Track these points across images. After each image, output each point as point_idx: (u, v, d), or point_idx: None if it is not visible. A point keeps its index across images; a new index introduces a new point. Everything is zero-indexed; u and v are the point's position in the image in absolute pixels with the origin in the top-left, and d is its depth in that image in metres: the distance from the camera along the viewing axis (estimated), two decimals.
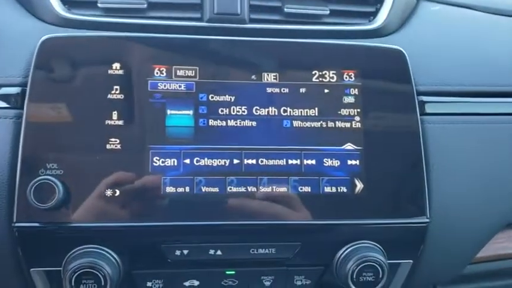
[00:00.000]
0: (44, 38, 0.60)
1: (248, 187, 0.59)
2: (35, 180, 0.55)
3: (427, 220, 0.62)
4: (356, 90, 0.63)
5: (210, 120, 0.61)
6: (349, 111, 0.62)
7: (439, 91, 0.68)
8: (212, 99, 0.61)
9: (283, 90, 0.62)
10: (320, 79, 0.63)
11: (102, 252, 0.56)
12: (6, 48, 0.62)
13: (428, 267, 0.65)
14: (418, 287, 0.69)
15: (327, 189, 0.60)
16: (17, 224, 0.56)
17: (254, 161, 0.60)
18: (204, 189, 0.59)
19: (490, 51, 0.73)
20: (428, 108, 0.66)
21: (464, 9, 0.79)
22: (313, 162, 0.61)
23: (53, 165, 0.57)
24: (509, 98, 0.70)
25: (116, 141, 0.58)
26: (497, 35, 0.77)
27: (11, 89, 0.60)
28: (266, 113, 0.62)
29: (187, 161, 0.59)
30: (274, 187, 0.59)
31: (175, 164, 0.59)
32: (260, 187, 0.59)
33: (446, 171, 0.65)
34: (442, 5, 0.79)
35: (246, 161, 0.60)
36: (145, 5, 0.66)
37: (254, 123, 0.61)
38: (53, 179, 0.55)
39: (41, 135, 0.58)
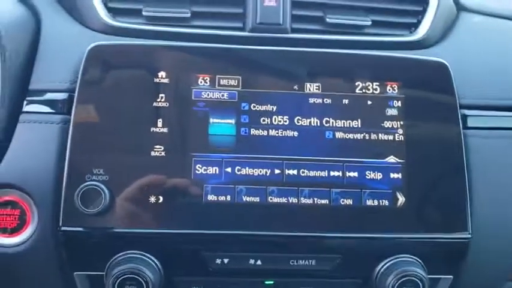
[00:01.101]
0: (91, 45, 0.62)
1: (289, 198, 0.59)
2: (82, 185, 0.56)
3: (469, 236, 0.61)
4: (399, 102, 0.63)
5: (251, 130, 0.61)
6: (392, 124, 0.62)
7: (482, 105, 0.67)
8: (254, 109, 0.62)
9: (326, 101, 0.62)
10: (363, 90, 0.63)
11: (145, 258, 0.57)
12: (54, 54, 0.64)
13: (468, 283, 0.64)
14: None
15: (369, 202, 0.60)
16: (63, 228, 0.57)
17: (295, 172, 0.60)
18: (245, 198, 0.59)
19: None
20: (471, 122, 0.66)
21: (506, 21, 0.78)
22: (355, 174, 0.60)
23: (99, 171, 0.58)
24: None
25: (160, 148, 0.59)
26: None
27: (58, 95, 0.62)
28: (308, 124, 0.62)
29: (229, 169, 0.60)
30: (315, 199, 0.59)
31: (217, 172, 0.59)
32: (301, 198, 0.59)
33: (489, 186, 0.64)
34: (483, 16, 0.78)
35: (287, 171, 0.60)
36: (188, 14, 0.67)
37: (296, 134, 0.61)
38: (100, 184, 0.56)
39: (87, 141, 0.59)
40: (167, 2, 0.68)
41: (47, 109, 0.61)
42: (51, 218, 0.58)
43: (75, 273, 0.59)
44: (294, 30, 0.68)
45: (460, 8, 0.76)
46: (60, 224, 0.57)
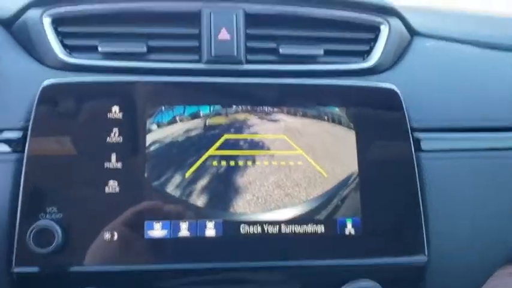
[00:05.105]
0: (45, 83, 0.62)
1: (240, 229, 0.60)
2: (35, 224, 0.56)
3: (426, 258, 0.62)
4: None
5: None
6: None
7: (435, 127, 0.69)
8: None
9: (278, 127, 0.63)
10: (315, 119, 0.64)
11: None
12: (9, 92, 0.64)
13: None
14: None
15: (326, 229, 0.60)
16: (15, 270, 0.56)
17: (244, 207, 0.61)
18: (203, 232, 0.59)
19: (483, 85, 0.74)
20: (424, 145, 0.67)
21: (458, 44, 0.80)
22: None
23: (52, 209, 0.58)
24: (504, 133, 0.71)
25: (115, 183, 0.59)
26: (490, 69, 0.78)
27: (13, 133, 0.62)
28: (259, 154, 0.62)
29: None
30: (266, 227, 0.60)
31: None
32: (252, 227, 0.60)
33: (444, 208, 0.65)
34: (436, 40, 0.80)
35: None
36: (145, 49, 0.68)
37: (250, 165, 0.62)
38: (53, 223, 0.56)
39: (41, 179, 0.59)
40: (123, 38, 0.68)
41: (1, 148, 0.61)
42: (5, 258, 0.57)
43: None
44: (249, 62, 0.69)
45: (413, 33, 0.78)
46: (13, 264, 0.56)
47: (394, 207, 0.63)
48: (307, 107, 0.65)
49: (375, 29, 0.74)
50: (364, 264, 0.61)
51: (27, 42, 0.68)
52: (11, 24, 0.70)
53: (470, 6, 1.02)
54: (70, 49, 0.68)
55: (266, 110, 0.64)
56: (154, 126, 0.62)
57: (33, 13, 0.68)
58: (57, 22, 0.68)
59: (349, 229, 0.61)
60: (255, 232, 0.60)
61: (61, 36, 0.68)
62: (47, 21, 0.68)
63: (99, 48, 0.67)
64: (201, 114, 0.63)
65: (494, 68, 0.78)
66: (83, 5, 0.69)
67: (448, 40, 0.80)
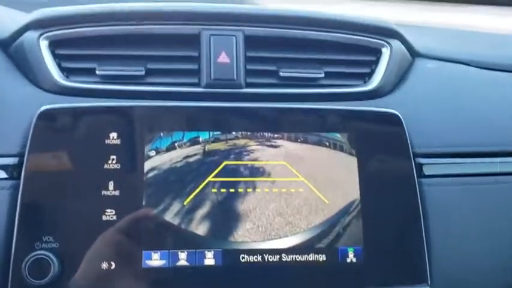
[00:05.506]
0: (41, 109, 0.61)
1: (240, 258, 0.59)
2: (30, 255, 0.54)
3: (429, 287, 0.61)
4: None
5: None
6: None
7: (437, 153, 0.68)
8: None
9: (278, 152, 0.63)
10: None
11: None
12: (5, 117, 0.63)
13: None
14: None
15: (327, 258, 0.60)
16: None
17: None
18: (206, 262, 0.58)
19: (487, 109, 0.74)
20: (427, 170, 0.66)
21: (461, 65, 0.80)
22: None
23: (49, 238, 0.56)
24: (508, 158, 0.70)
25: (112, 212, 0.58)
26: (494, 91, 0.77)
27: (9, 159, 0.60)
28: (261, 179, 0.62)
29: None
30: (269, 257, 0.59)
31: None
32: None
33: (447, 235, 0.64)
34: (438, 61, 0.80)
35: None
36: (143, 72, 0.67)
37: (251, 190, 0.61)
38: (49, 253, 0.55)
39: (37, 207, 0.58)
40: (121, 60, 0.68)
41: None
42: None
43: None
44: (248, 85, 0.68)
45: (414, 54, 0.78)
46: None
47: (396, 235, 0.62)
48: (307, 132, 0.64)
49: (376, 52, 0.73)
50: None
51: (24, 65, 0.67)
52: (8, 46, 0.69)
53: (477, 23, 1.01)
54: (67, 72, 0.67)
55: (266, 135, 0.63)
56: (152, 153, 0.61)
57: (30, 35, 0.68)
58: (54, 44, 0.68)
59: (351, 258, 0.60)
60: (255, 261, 0.59)
61: (58, 58, 0.67)
62: (44, 44, 0.67)
63: (97, 71, 0.66)
64: (200, 140, 0.62)
65: (497, 90, 0.77)
66: (81, 27, 0.68)
67: (450, 61, 0.80)
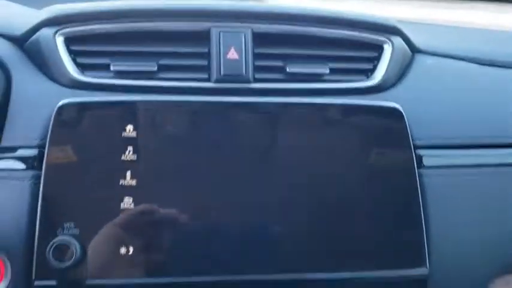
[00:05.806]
0: (60, 103, 0.64)
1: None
2: (54, 240, 0.58)
3: (427, 271, 0.65)
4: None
5: None
6: None
7: (436, 144, 0.71)
8: None
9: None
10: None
11: None
12: (25, 111, 0.66)
13: None
14: None
15: None
16: (36, 283, 0.58)
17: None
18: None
19: (485, 102, 0.77)
20: (426, 162, 0.70)
21: (459, 61, 0.82)
22: None
23: (70, 225, 0.60)
24: (505, 149, 0.73)
25: (129, 200, 0.61)
26: (492, 86, 0.80)
27: (29, 151, 0.64)
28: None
29: None
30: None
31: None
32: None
33: (446, 222, 0.67)
34: (437, 57, 0.83)
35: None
36: (155, 68, 0.70)
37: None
38: (71, 239, 0.58)
39: (58, 196, 0.61)
40: (135, 56, 0.70)
41: (18, 166, 0.63)
42: (25, 272, 0.59)
43: None
44: (256, 80, 0.71)
45: (414, 50, 0.80)
46: (33, 278, 0.58)
47: (397, 221, 0.65)
48: (312, 125, 0.67)
49: (378, 48, 0.76)
50: (365, 277, 0.64)
51: (40, 61, 0.70)
52: (24, 42, 0.72)
53: (476, 19, 1.03)
54: (82, 67, 0.70)
55: (273, 129, 0.66)
56: (166, 144, 0.64)
57: (46, 32, 0.70)
58: (69, 41, 0.70)
59: (351, 243, 0.63)
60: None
61: (73, 54, 0.70)
62: (59, 40, 0.70)
63: (111, 67, 0.69)
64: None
65: (495, 84, 0.80)
66: (96, 24, 0.71)
67: (449, 57, 0.82)
